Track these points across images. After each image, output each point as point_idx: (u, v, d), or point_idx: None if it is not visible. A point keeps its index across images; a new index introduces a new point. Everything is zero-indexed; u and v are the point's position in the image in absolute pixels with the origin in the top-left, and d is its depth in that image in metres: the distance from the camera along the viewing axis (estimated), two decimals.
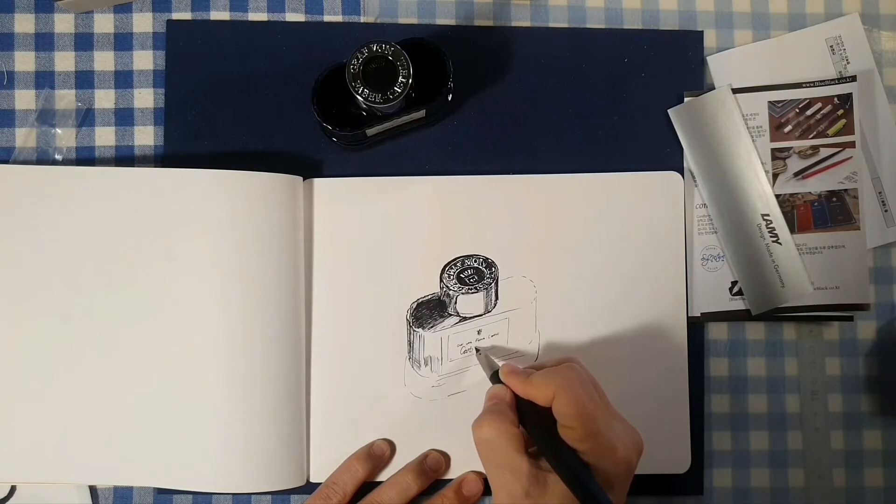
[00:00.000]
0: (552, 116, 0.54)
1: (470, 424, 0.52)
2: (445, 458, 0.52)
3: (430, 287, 0.53)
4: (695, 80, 0.55)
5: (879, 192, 0.55)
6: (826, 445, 0.55)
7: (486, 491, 0.52)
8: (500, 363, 0.49)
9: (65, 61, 0.54)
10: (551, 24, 0.55)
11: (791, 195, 0.54)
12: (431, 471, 0.51)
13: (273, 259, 0.50)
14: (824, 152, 0.54)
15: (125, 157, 0.54)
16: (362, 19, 0.55)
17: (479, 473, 0.52)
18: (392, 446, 0.52)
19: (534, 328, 0.53)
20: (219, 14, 0.54)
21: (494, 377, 0.48)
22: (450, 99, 0.52)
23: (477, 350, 0.52)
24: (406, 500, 0.50)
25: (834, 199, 0.54)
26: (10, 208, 0.50)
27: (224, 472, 0.50)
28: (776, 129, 0.54)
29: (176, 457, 0.50)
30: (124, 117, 0.54)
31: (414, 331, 0.53)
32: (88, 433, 0.50)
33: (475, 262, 0.53)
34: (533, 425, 0.44)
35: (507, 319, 0.53)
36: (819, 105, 0.54)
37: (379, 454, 0.51)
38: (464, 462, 0.52)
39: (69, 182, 0.50)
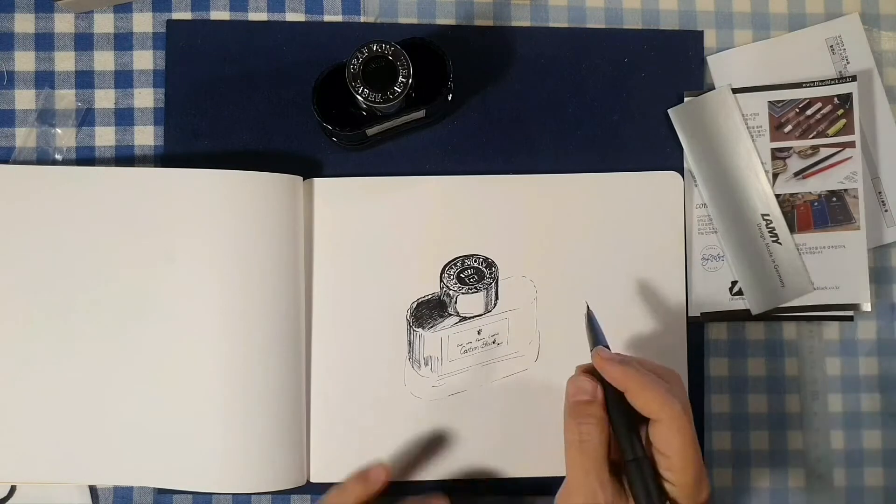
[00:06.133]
0: (552, 116, 0.54)
1: (470, 424, 0.52)
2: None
3: (430, 287, 0.53)
4: (695, 80, 0.55)
5: (879, 192, 0.55)
6: (826, 445, 0.55)
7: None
8: (607, 342, 0.45)
9: (65, 61, 0.54)
10: (551, 24, 0.55)
11: (791, 195, 0.54)
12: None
13: (273, 259, 0.50)
14: (824, 152, 0.54)
15: (125, 157, 0.54)
16: (362, 19, 0.55)
17: (446, 497, 0.50)
18: (388, 472, 0.49)
19: (534, 328, 0.53)
20: (219, 14, 0.54)
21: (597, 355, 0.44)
22: (450, 99, 0.52)
23: (589, 312, 0.47)
24: None
25: (834, 199, 0.54)
26: (9, 208, 0.50)
27: (224, 472, 0.50)
28: (776, 129, 0.54)
29: (176, 457, 0.50)
30: (124, 117, 0.54)
31: (414, 331, 0.53)
32: (88, 433, 0.50)
33: (475, 262, 0.53)
34: (627, 436, 0.42)
35: (507, 319, 0.53)
36: (819, 105, 0.54)
37: (375, 479, 0.48)
38: (464, 462, 0.52)
39: (69, 182, 0.50)
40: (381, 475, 0.49)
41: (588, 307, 0.47)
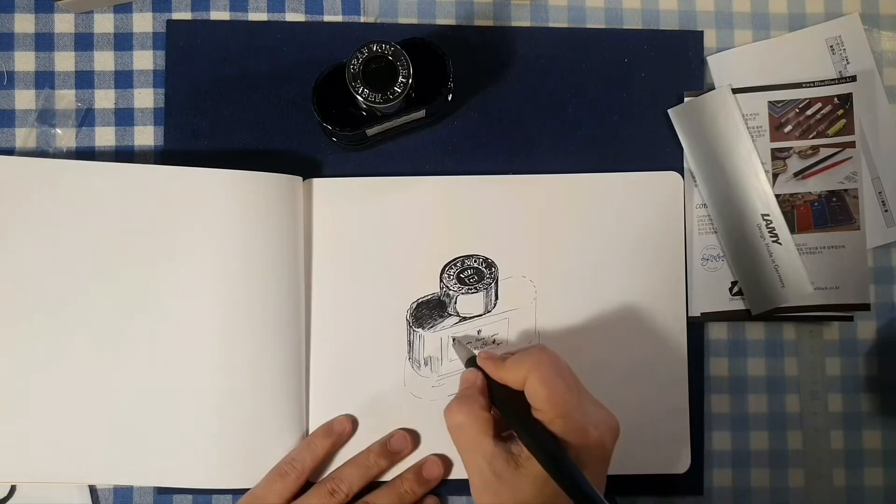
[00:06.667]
0: (552, 116, 0.54)
1: None
2: (412, 438, 0.52)
3: (430, 287, 0.53)
4: (695, 80, 0.55)
5: (879, 192, 0.55)
6: (826, 445, 0.55)
7: (452, 473, 0.52)
8: (476, 351, 0.50)
9: (65, 61, 0.54)
10: (551, 24, 0.55)
11: (791, 195, 0.54)
12: (395, 452, 0.51)
13: (272, 259, 0.50)
14: (824, 152, 0.54)
15: (125, 158, 0.53)
16: (362, 19, 0.55)
17: (440, 456, 0.52)
18: (354, 423, 0.52)
19: (534, 328, 0.53)
20: (219, 14, 0.54)
21: (470, 363, 0.49)
22: (450, 99, 0.52)
23: (453, 339, 0.53)
24: (368, 479, 0.50)
25: (834, 199, 0.54)
26: (9, 200, 0.50)
27: (224, 471, 0.50)
28: (776, 129, 0.54)
29: (176, 455, 0.50)
30: (124, 117, 0.54)
31: (414, 331, 0.53)
32: (88, 432, 0.50)
33: (475, 262, 0.53)
34: (507, 409, 0.45)
35: (507, 319, 0.53)
36: (819, 105, 0.54)
37: (339, 430, 0.51)
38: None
39: (70, 176, 0.50)
40: (346, 426, 0.51)
41: (452, 338, 0.52)
